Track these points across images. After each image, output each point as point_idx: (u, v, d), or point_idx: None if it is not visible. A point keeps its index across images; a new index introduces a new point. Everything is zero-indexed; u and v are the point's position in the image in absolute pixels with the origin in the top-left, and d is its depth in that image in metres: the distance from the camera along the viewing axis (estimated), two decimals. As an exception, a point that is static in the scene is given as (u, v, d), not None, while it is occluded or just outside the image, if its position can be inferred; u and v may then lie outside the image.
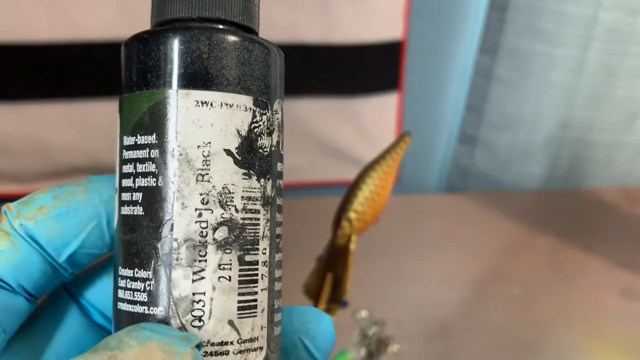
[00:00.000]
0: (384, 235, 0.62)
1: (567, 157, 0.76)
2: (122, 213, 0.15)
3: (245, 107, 0.15)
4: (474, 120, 0.77)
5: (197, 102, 0.15)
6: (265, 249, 0.15)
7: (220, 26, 0.16)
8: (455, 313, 0.52)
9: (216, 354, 0.14)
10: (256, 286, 0.15)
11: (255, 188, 0.15)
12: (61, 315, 0.17)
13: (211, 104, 0.15)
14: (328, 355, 0.18)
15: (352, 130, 0.72)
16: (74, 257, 0.16)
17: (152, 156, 0.15)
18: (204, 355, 0.14)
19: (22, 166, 0.65)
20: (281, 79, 0.17)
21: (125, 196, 0.15)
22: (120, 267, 0.15)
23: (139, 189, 0.15)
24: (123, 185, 0.16)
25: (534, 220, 0.68)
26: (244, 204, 0.15)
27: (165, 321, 0.14)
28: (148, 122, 0.15)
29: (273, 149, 0.16)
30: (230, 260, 0.15)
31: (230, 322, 0.14)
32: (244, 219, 0.15)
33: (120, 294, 0.15)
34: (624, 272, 0.59)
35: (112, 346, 0.13)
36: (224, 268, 0.14)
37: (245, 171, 0.15)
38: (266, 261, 0.15)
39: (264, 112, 0.16)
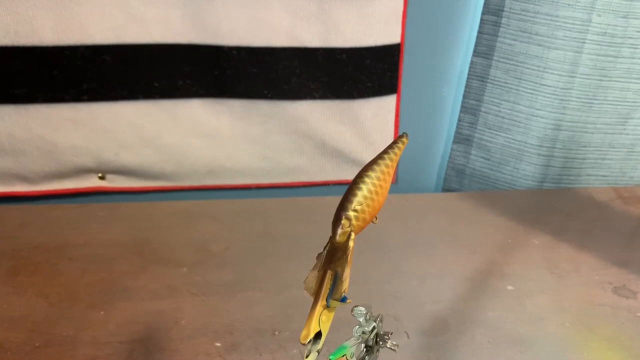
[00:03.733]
0: (382, 233, 0.63)
1: (561, 157, 0.77)
2: None
3: None
4: (469, 121, 0.78)
5: None
6: None
7: None
8: (452, 309, 0.52)
9: None
10: None
11: None
12: None
13: None
14: None
15: (352, 131, 0.72)
16: None
17: None
18: None
19: (30, 167, 0.66)
20: None
21: None
22: None
23: None
24: None
25: (529, 219, 0.68)
26: None
27: None
28: None
29: None
30: None
31: None
32: None
33: None
34: (616, 270, 0.59)
35: None
36: None
37: None
38: None
39: None
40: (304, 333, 0.29)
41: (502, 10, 0.69)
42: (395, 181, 0.78)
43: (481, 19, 0.71)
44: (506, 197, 0.76)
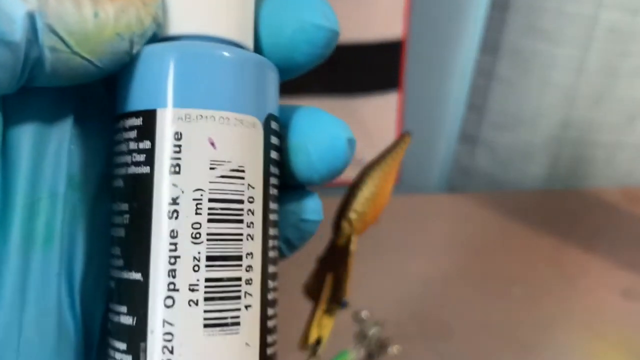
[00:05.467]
0: (384, 235, 0.62)
1: (568, 156, 0.76)
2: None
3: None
4: (474, 119, 0.77)
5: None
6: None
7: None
8: (456, 313, 0.52)
9: None
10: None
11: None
12: None
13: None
14: (330, 173, 0.16)
15: (352, 129, 0.72)
16: None
17: None
18: None
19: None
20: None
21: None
22: None
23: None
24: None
25: (535, 220, 0.68)
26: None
27: None
28: None
29: None
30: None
31: None
32: None
33: None
34: (624, 272, 0.59)
35: None
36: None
37: None
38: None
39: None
40: (302, 338, 0.29)
41: (508, 6, 0.69)
42: (398, 181, 0.78)
43: (487, 15, 0.71)
44: (512, 198, 0.76)
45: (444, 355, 0.47)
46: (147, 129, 0.14)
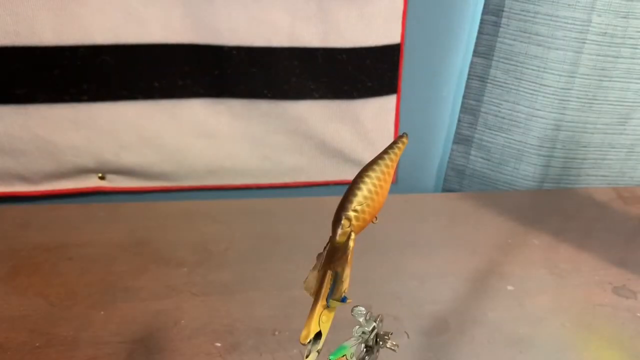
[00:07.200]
0: (382, 233, 0.63)
1: (561, 157, 0.77)
2: None
3: None
4: (469, 121, 0.78)
5: None
6: None
7: None
8: (452, 309, 0.52)
9: None
10: None
11: None
12: None
13: None
14: None
15: (352, 131, 0.72)
16: None
17: None
18: None
19: (29, 167, 0.66)
20: None
21: None
22: None
23: None
24: None
25: (529, 219, 0.68)
26: None
27: None
28: None
29: None
30: None
31: None
32: None
33: None
34: (616, 270, 0.59)
35: None
36: None
37: None
38: None
39: None
40: (304, 333, 0.29)
41: (502, 11, 0.69)
42: (395, 181, 0.78)
43: (481, 19, 0.71)
44: (506, 198, 0.76)
45: (440, 350, 0.48)
46: None
